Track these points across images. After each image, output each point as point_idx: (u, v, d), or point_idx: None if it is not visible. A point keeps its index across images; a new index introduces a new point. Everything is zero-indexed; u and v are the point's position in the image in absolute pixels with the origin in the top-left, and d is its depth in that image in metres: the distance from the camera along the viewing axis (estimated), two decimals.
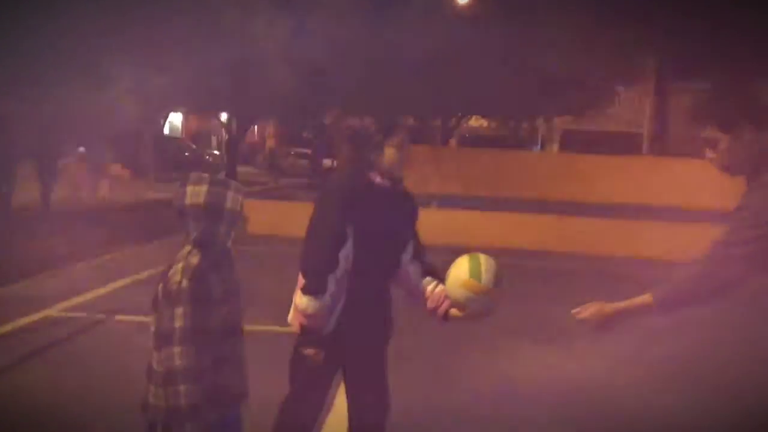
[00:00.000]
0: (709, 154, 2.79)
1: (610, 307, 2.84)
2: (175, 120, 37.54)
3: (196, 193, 2.57)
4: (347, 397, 3.48)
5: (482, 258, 3.19)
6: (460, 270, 3.16)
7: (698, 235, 13.60)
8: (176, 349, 2.45)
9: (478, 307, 3.18)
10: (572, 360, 6.38)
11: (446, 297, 3.25)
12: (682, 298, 2.79)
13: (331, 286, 3.16)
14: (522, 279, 10.38)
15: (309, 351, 3.19)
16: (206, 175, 2.63)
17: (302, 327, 3.20)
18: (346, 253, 3.18)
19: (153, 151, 26.09)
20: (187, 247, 2.59)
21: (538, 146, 41.24)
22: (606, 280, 10.40)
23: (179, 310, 2.46)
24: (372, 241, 3.22)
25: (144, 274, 8.99)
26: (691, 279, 2.76)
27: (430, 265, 3.43)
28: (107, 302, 7.87)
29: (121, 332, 6.59)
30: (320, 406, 3.41)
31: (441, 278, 3.30)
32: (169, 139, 32.65)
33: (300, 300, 3.17)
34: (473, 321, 3.30)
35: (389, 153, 3.25)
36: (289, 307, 3.38)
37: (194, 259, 2.55)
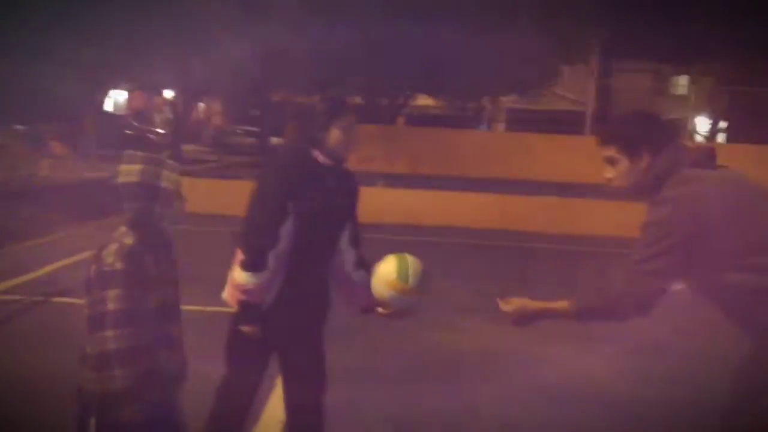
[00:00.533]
0: (608, 173, 2.86)
1: (532, 306, 2.91)
2: (118, 97, 36.78)
3: (129, 171, 2.52)
4: (283, 378, 3.46)
5: (410, 260, 3.23)
6: (388, 270, 3.20)
7: (643, 212, 13.82)
8: (109, 333, 2.40)
9: (401, 306, 3.25)
10: (521, 337, 6.44)
11: (373, 293, 3.26)
12: (599, 314, 2.89)
13: (271, 263, 3.12)
14: (468, 258, 10.47)
15: (246, 328, 3.16)
16: (140, 153, 2.57)
17: (240, 303, 3.16)
18: (286, 231, 3.15)
19: (95, 129, 25.51)
20: (122, 228, 2.54)
21: (485, 125, 41.52)
22: (553, 258, 10.54)
23: (113, 293, 2.41)
24: (312, 220, 3.21)
25: (84, 255, 8.80)
26: (609, 296, 2.83)
27: (363, 256, 3.45)
28: (46, 284, 7.69)
29: (60, 315, 6.44)
30: (257, 386, 3.39)
31: (369, 272, 3.32)
32: (112, 116, 31.98)
33: (239, 275, 3.14)
34: (394, 318, 3.35)
35: (335, 134, 3.24)
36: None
37: (128, 240, 2.50)
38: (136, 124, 31.45)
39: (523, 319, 2.92)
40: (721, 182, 2.77)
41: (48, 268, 8.46)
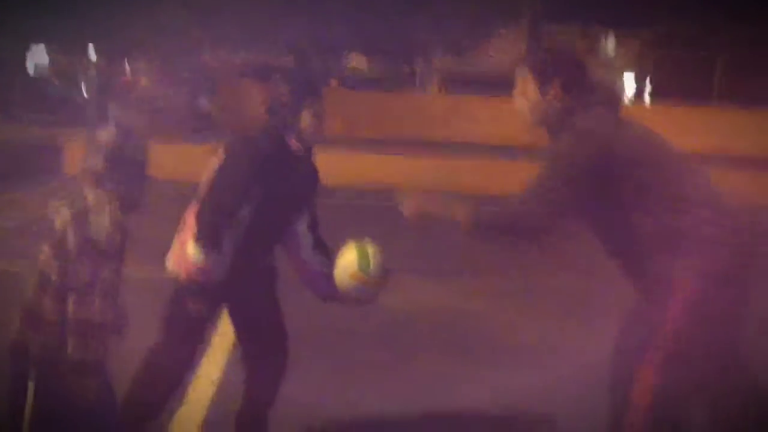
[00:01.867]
0: (518, 95, 2.95)
1: (431, 205, 3.01)
2: (40, 57, 35.52)
3: (108, 137, 2.50)
4: (239, 342, 3.47)
5: (370, 250, 3.26)
6: (349, 261, 3.23)
7: None
8: (97, 304, 2.40)
9: (364, 295, 3.30)
10: (458, 295, 6.55)
11: (335, 283, 3.29)
12: (495, 227, 2.98)
13: (226, 244, 3.09)
14: (404, 220, 10.53)
15: (192, 304, 3.13)
16: (113, 118, 2.56)
17: (189, 279, 3.12)
18: (245, 212, 3.13)
19: (16, 90, 24.63)
20: (101, 196, 2.49)
21: (419, 87, 41.49)
22: None
23: (105, 264, 2.42)
24: (273, 203, 3.20)
25: (11, 223, 8.57)
26: (510, 213, 2.92)
27: (321, 240, 3.47)
28: None
29: None
30: (191, 359, 3.38)
31: (329, 256, 3.35)
32: (34, 78, 30.90)
33: (192, 251, 3.09)
34: (356, 306, 3.43)
35: (309, 120, 3.21)
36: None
37: (117, 212, 2.49)
38: (59, 86, 30.43)
39: (420, 216, 2.98)
40: (629, 126, 2.88)
41: None
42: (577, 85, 2.88)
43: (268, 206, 3.18)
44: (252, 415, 3.46)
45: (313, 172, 3.44)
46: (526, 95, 2.94)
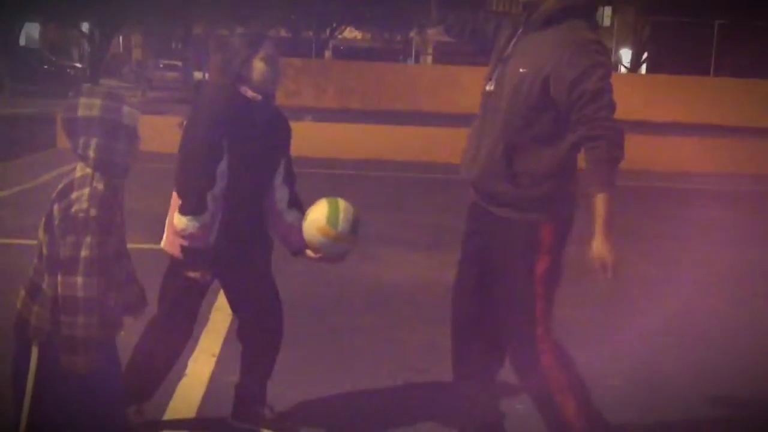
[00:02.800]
0: None
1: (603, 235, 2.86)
2: (31, 30, 35.24)
3: (89, 105, 2.41)
4: (235, 314, 3.47)
5: (341, 205, 3.19)
6: (318, 214, 3.17)
7: None
8: (80, 279, 2.35)
9: (331, 252, 3.23)
10: (445, 265, 6.56)
11: (303, 236, 3.25)
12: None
13: (210, 205, 3.09)
14: (398, 190, 10.55)
15: (193, 273, 3.12)
16: (99, 87, 2.48)
17: (184, 249, 3.11)
18: (222, 170, 3.11)
19: (8, 63, 24.44)
20: (87, 169, 2.43)
21: (412, 58, 41.35)
22: None
23: (87, 240, 2.35)
24: (246, 157, 3.16)
25: (2, 194, 8.54)
26: None
27: (296, 195, 3.41)
28: None
29: None
30: (189, 328, 3.38)
31: (303, 212, 3.29)
32: (26, 50, 30.68)
33: (179, 221, 3.08)
34: (325, 263, 3.35)
35: (259, 67, 3.17)
36: (161, 225, 3.29)
37: (100, 185, 2.41)
38: (52, 58, 30.22)
39: (611, 252, 2.75)
40: None
41: None
42: None
43: (241, 160, 3.14)
44: (251, 388, 3.48)
45: (281, 123, 3.37)
46: None
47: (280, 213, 3.35)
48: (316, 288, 5.68)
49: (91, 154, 2.41)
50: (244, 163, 3.15)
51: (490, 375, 3.23)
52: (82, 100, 2.42)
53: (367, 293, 5.76)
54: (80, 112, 2.40)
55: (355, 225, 3.18)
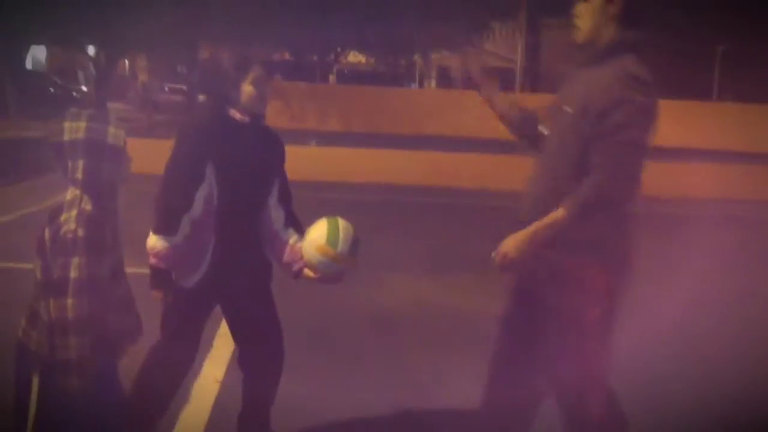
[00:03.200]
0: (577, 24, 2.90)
1: (521, 235, 2.82)
2: (38, 53, 35.46)
3: (75, 128, 2.45)
4: (236, 341, 3.45)
5: (341, 224, 3.17)
6: (318, 234, 3.15)
7: None
8: (70, 301, 2.35)
9: (331, 272, 3.20)
10: (455, 292, 6.55)
11: (302, 256, 3.23)
12: (596, 202, 2.79)
13: (185, 228, 3.07)
14: (401, 214, 10.55)
15: (154, 292, 3.11)
16: (85, 110, 2.49)
17: (150, 266, 3.11)
18: (205, 194, 3.10)
19: (14, 86, 24.58)
20: (75, 191, 2.45)
21: (416, 82, 41.52)
22: (487, 213, 10.69)
23: (75, 260, 2.36)
24: (234, 180, 3.15)
25: (7, 218, 8.56)
26: (597, 180, 2.78)
27: (293, 214, 3.38)
28: None
29: None
30: (191, 354, 3.36)
31: (301, 231, 3.28)
32: (32, 73, 30.86)
33: (150, 238, 3.08)
34: (324, 284, 3.31)
35: (247, 89, 3.16)
36: None
37: (88, 206, 2.43)
38: (58, 81, 30.39)
39: (518, 253, 2.77)
40: None
41: None
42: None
43: (230, 183, 3.13)
44: (254, 415, 3.46)
45: (272, 143, 3.36)
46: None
47: (277, 233, 3.32)
48: (319, 312, 5.67)
49: (79, 176, 2.44)
50: (234, 187, 3.15)
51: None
52: (67, 125, 2.45)
53: (370, 317, 5.74)
54: (66, 137, 2.44)
55: (354, 245, 3.17)
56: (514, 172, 13.06)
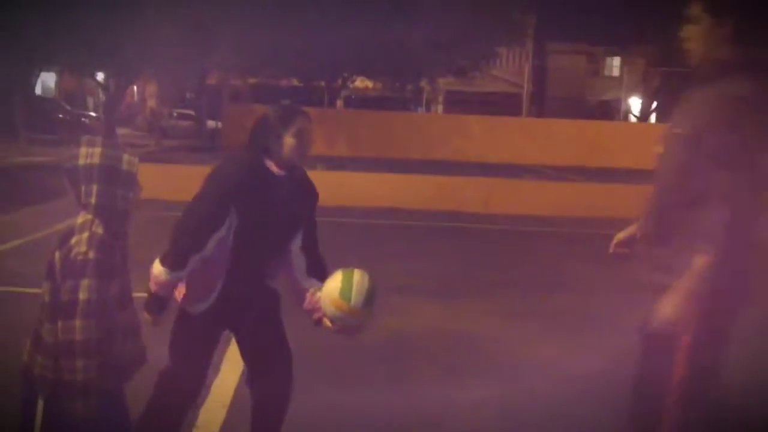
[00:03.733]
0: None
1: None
2: (47, 79, 35.78)
3: (90, 154, 2.49)
4: (246, 364, 3.45)
5: (356, 277, 3.12)
6: (332, 287, 3.12)
7: (580, 192, 14.03)
8: (78, 323, 2.37)
9: (347, 324, 3.18)
10: (461, 315, 6.52)
11: (321, 306, 3.21)
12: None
13: (194, 263, 3.07)
14: (408, 239, 10.54)
15: (147, 315, 3.11)
16: (99, 137, 2.55)
17: (149, 290, 3.11)
18: (221, 236, 3.10)
19: (24, 112, 24.77)
20: (87, 215, 2.48)
21: (423, 107, 41.69)
22: (493, 237, 10.68)
23: (84, 282, 2.38)
24: (257, 228, 3.15)
25: (15, 243, 8.58)
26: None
27: (318, 262, 3.35)
28: None
29: None
30: (199, 379, 3.34)
31: (324, 279, 3.24)
32: (42, 99, 31.14)
33: (155, 264, 3.09)
34: (343, 335, 3.28)
35: (288, 142, 3.15)
36: None
37: (99, 229, 2.46)
38: (67, 107, 30.63)
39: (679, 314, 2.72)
40: None
41: None
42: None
43: (252, 230, 3.13)
44: None
45: (306, 192, 3.35)
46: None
47: (297, 280, 3.32)
48: (329, 337, 5.64)
49: (93, 200, 2.47)
50: (254, 234, 3.13)
51: None
52: (83, 150, 2.49)
53: (380, 343, 5.71)
54: (81, 161, 2.48)
55: (369, 298, 3.11)
56: (520, 197, 13.15)
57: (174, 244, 3.08)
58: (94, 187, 2.47)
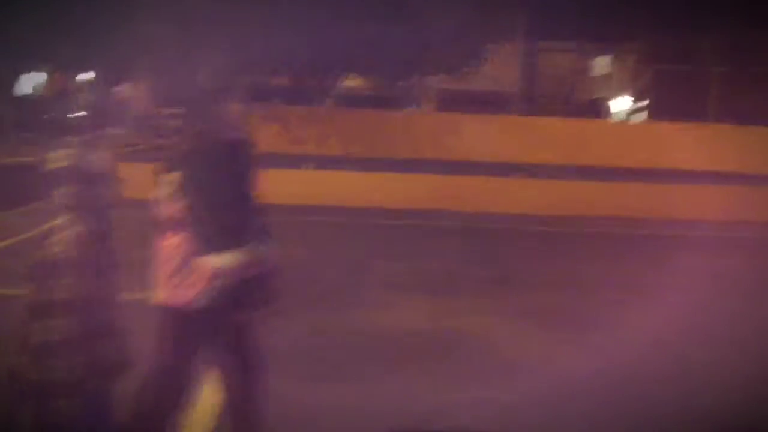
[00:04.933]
0: None
1: None
2: (37, 78, 35.58)
3: (62, 156, 2.52)
4: (222, 366, 3.43)
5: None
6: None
7: (569, 190, 14.00)
8: (57, 322, 2.38)
9: None
10: (454, 314, 6.52)
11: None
12: None
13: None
14: (400, 238, 10.52)
15: (223, 316, 3.13)
16: (74, 138, 2.58)
17: (218, 288, 3.06)
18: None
19: (12, 111, 24.65)
20: (66, 215, 2.51)
21: (414, 106, 41.62)
22: (484, 236, 10.68)
23: (64, 282, 2.40)
24: (224, 196, 3.16)
25: (3, 244, 8.53)
26: None
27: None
28: None
29: None
30: (188, 378, 3.33)
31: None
32: (31, 99, 30.95)
33: (215, 261, 3.04)
34: None
35: (233, 108, 3.25)
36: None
37: (78, 229, 2.48)
38: (56, 107, 30.48)
39: None
40: None
41: None
42: None
43: (220, 200, 3.15)
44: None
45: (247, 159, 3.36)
46: None
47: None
48: (324, 336, 5.64)
49: (68, 201, 2.50)
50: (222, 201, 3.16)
51: None
52: (58, 153, 2.53)
53: (371, 341, 5.71)
54: (56, 164, 2.51)
55: None
56: (512, 195, 13.16)
57: (214, 228, 3.13)
58: (69, 188, 2.50)
